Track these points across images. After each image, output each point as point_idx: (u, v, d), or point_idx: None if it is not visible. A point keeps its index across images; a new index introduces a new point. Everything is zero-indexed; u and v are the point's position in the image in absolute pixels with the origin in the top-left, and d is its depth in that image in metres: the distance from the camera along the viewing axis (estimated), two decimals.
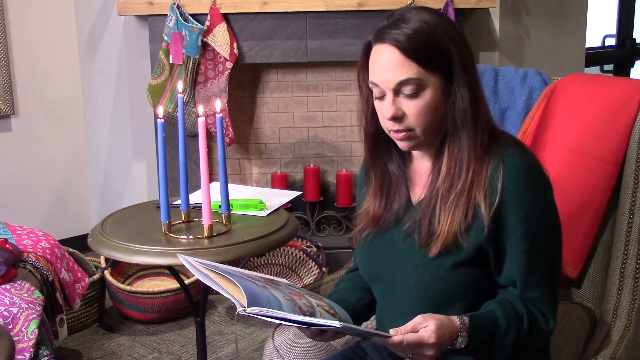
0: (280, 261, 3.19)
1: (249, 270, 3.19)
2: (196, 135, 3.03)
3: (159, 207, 1.76)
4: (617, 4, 5.12)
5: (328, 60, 3.16)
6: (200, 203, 1.69)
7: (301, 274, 3.15)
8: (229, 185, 1.74)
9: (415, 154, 1.36)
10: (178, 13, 2.96)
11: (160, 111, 1.76)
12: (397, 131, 1.26)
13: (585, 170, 1.69)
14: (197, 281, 2.47)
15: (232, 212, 1.78)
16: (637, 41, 5.20)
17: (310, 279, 3.09)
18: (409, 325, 1.17)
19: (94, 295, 2.80)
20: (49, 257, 2.27)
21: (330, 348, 1.55)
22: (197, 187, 1.86)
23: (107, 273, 2.82)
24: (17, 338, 1.86)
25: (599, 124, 1.69)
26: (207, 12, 2.99)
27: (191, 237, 1.69)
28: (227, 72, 3.02)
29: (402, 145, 1.29)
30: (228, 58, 3.01)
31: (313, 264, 3.12)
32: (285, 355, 1.53)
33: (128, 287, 2.79)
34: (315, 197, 3.31)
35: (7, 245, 2.11)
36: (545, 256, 1.27)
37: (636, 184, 1.61)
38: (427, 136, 1.27)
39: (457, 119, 1.25)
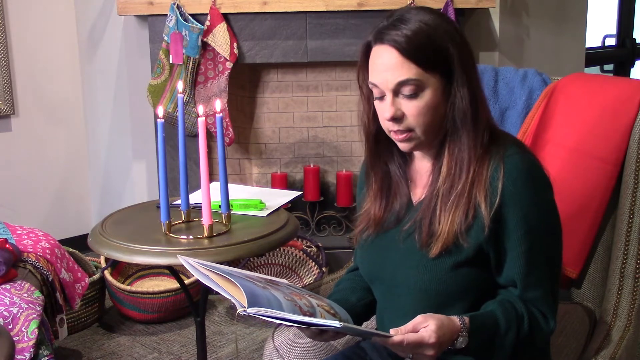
0: (280, 261, 3.19)
1: (249, 270, 3.19)
2: (196, 135, 3.03)
3: (159, 207, 1.76)
4: (617, 4, 5.12)
5: (328, 60, 3.16)
6: (200, 203, 1.69)
7: (301, 274, 3.15)
8: (229, 185, 1.74)
9: (416, 154, 1.36)
10: (178, 13, 2.96)
11: (160, 111, 1.76)
12: (397, 132, 1.26)
13: (585, 170, 1.69)
14: (197, 281, 2.47)
15: (232, 212, 1.78)
16: (637, 41, 5.20)
17: (310, 279, 3.09)
18: (410, 325, 1.17)
19: (94, 295, 2.80)
20: (49, 257, 2.27)
21: (330, 348, 1.55)
22: (197, 187, 1.86)
23: (107, 273, 2.83)
24: (17, 338, 1.86)
25: (599, 124, 1.69)
26: (207, 12, 2.99)
27: (191, 237, 1.68)
28: (227, 72, 3.02)
29: (403, 146, 1.29)
30: (228, 58, 3.01)
31: (313, 264, 3.12)
32: (285, 355, 1.53)
33: (128, 287, 2.79)
34: (315, 197, 3.31)
35: (7, 245, 2.11)
36: (546, 256, 1.27)
37: (636, 184, 1.61)
38: (427, 137, 1.27)
39: (457, 119, 1.25)
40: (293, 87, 3.35)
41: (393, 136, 1.28)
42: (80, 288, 2.43)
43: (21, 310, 1.91)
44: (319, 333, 1.27)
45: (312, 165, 3.36)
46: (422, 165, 1.36)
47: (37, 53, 3.38)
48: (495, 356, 1.25)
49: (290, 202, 2.00)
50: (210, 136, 3.07)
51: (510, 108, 2.04)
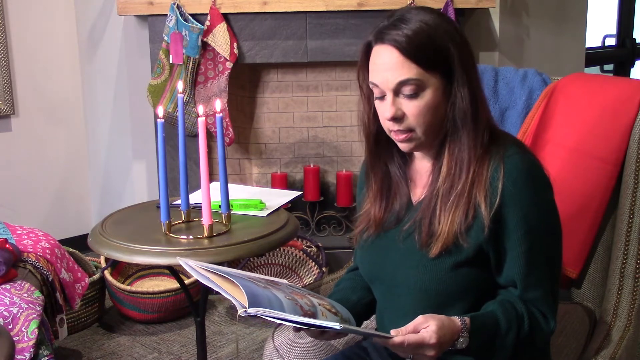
0: (280, 261, 3.19)
1: (249, 270, 3.19)
2: (196, 135, 3.03)
3: (159, 207, 1.76)
4: (617, 4, 5.12)
5: (328, 60, 3.16)
6: (200, 203, 1.69)
7: (301, 274, 3.15)
8: (229, 185, 1.74)
9: (416, 154, 1.36)
10: (178, 13, 2.96)
11: (160, 111, 1.76)
12: (397, 132, 1.26)
13: (585, 170, 1.69)
14: (197, 281, 2.47)
15: (232, 212, 1.78)
16: (637, 41, 5.20)
17: (310, 279, 3.09)
18: (410, 325, 1.17)
19: (94, 295, 2.80)
20: (49, 257, 2.27)
21: (330, 348, 1.55)
22: (197, 187, 1.86)
23: (107, 273, 2.83)
24: (17, 338, 1.86)
25: (599, 124, 1.69)
26: (207, 12, 2.99)
27: (191, 237, 1.68)
28: (227, 72, 3.02)
29: (403, 146, 1.29)
30: (228, 58, 3.01)
31: (313, 264, 3.12)
32: (285, 355, 1.53)
33: (128, 287, 2.79)
34: (315, 197, 3.31)
35: (7, 245, 2.11)
36: (546, 256, 1.27)
37: (636, 184, 1.61)
38: (428, 137, 1.27)
39: (458, 119, 1.25)
40: (293, 87, 3.35)
41: (393, 136, 1.28)
42: (80, 288, 2.43)
43: (21, 310, 1.91)
44: (320, 333, 1.27)
45: (312, 165, 3.36)
46: (422, 165, 1.36)
47: (37, 53, 3.38)
48: (495, 356, 1.25)
49: (290, 202, 2.00)
50: (210, 136, 3.07)
51: (510, 108, 2.04)
